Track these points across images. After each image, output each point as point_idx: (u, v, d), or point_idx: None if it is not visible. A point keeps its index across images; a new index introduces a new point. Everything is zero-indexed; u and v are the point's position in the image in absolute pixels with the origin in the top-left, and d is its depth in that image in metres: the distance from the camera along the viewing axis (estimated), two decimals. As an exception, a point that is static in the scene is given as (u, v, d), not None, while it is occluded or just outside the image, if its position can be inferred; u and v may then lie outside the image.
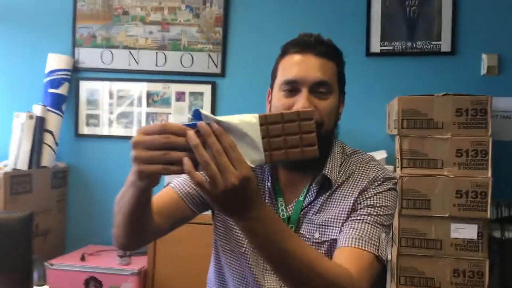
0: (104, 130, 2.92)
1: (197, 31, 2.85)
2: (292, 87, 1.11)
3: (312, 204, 1.13)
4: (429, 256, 2.16)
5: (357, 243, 1.02)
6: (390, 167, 2.34)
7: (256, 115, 0.86)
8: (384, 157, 2.38)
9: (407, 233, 2.18)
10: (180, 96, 2.87)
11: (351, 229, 1.06)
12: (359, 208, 1.10)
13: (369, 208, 1.09)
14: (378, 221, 1.08)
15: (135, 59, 2.89)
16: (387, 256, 1.08)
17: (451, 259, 2.14)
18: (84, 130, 2.95)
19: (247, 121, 0.84)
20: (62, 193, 2.90)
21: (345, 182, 1.15)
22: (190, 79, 2.86)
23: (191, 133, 0.78)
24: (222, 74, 2.84)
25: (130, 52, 2.90)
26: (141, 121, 2.89)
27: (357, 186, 1.13)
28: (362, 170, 1.16)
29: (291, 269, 0.89)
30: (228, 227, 1.17)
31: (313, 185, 1.14)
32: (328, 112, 1.12)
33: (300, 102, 1.08)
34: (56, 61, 2.86)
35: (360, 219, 1.07)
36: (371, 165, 1.18)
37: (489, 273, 2.12)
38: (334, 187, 1.14)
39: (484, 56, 2.62)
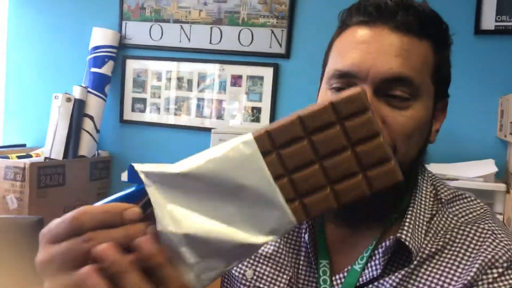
0: (150, 116, 2.55)
1: (259, 1, 2.35)
2: (346, 83, 0.64)
3: (376, 283, 0.64)
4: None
5: None
6: (501, 186, 1.72)
7: (249, 136, 0.44)
8: (493, 172, 1.75)
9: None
10: (236, 80, 2.41)
11: None
12: None
13: None
14: None
15: (186, 35, 2.47)
16: None
17: None
18: (130, 115, 2.59)
19: (232, 156, 0.43)
20: (103, 185, 2.60)
21: (437, 258, 0.64)
22: (248, 60, 2.38)
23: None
24: (287, 55, 2.32)
25: (182, 27, 2.48)
26: (190, 108, 2.47)
27: (459, 271, 0.62)
28: (470, 238, 0.65)
29: None
30: None
31: (379, 251, 0.65)
32: (406, 132, 0.63)
33: None
34: (101, 36, 2.51)
35: None
36: (486, 230, 0.65)
37: None
38: (415, 263, 0.63)
39: None
